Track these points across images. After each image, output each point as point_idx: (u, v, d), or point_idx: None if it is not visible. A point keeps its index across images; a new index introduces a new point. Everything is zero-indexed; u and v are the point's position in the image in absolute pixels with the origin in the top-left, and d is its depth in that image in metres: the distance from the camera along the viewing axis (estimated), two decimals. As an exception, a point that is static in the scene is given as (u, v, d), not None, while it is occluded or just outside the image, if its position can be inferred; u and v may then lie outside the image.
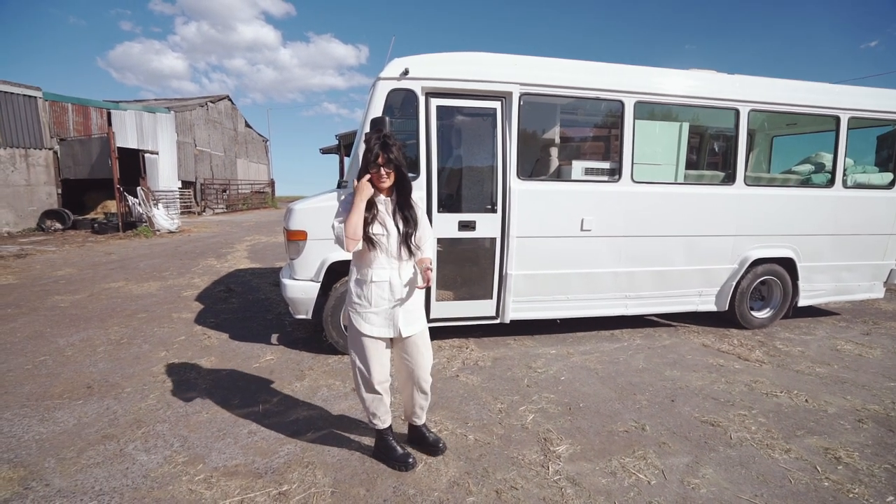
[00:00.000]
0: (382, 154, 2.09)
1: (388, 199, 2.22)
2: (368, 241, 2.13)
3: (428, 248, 2.31)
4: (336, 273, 3.83)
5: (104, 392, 3.22)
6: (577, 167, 4.12)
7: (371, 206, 2.16)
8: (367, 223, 2.14)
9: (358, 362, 2.28)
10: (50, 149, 14.13)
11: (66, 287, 6.33)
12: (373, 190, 2.16)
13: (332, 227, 2.16)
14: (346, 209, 2.14)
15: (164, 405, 3.03)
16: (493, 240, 3.92)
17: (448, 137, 3.99)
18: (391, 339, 2.30)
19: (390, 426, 2.46)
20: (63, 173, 14.43)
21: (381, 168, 2.11)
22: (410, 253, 2.22)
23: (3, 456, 2.46)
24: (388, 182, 2.15)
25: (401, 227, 2.17)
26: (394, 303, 2.20)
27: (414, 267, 2.28)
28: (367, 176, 2.14)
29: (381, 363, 2.28)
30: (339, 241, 2.12)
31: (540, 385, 3.42)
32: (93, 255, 9.20)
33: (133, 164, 14.65)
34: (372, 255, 2.17)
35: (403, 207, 2.20)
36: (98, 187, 15.16)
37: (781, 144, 5.92)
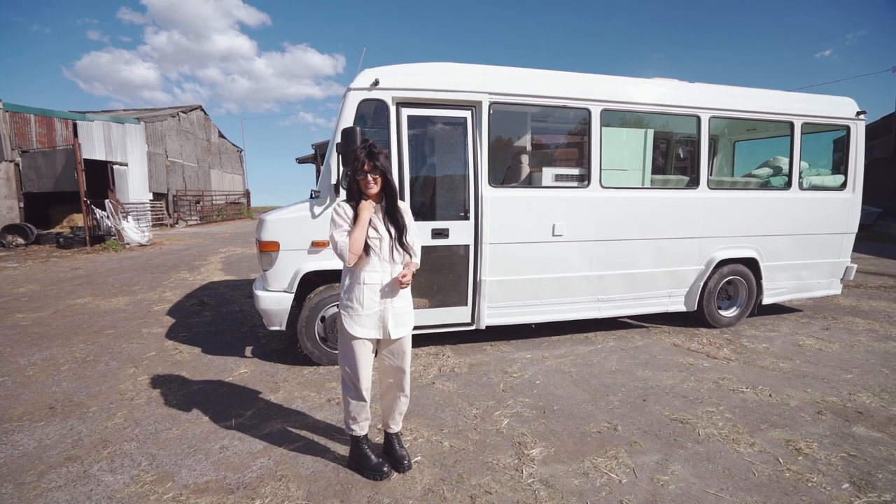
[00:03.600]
0: (368, 161, 2.19)
1: (378, 205, 2.29)
2: (364, 245, 2.20)
3: (418, 252, 2.39)
4: (310, 284, 3.81)
5: (68, 412, 3.10)
6: (548, 174, 4.21)
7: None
8: None
9: (347, 367, 2.33)
10: (11, 161, 13.60)
11: (27, 304, 6.08)
12: (374, 207, 2.25)
13: (331, 239, 2.22)
14: (341, 223, 2.22)
15: (131, 423, 2.94)
16: (466, 247, 3.96)
17: (420, 146, 4.03)
18: (378, 342, 2.35)
19: (366, 435, 2.47)
20: (25, 186, 13.89)
21: (368, 175, 2.19)
22: (402, 255, 2.30)
23: (-44, 483, 2.35)
24: (375, 188, 2.23)
25: (392, 231, 2.26)
26: (384, 305, 2.26)
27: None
28: (370, 202, 2.23)
29: (368, 367, 2.33)
30: (342, 255, 2.20)
31: (515, 389, 3.46)
32: (57, 270, 8.87)
33: (101, 177, 14.22)
34: (365, 259, 2.23)
35: (392, 212, 2.27)
36: (64, 200, 14.65)
37: (743, 149, 6.18)
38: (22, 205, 13.82)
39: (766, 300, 5.05)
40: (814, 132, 5.09)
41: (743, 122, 5.24)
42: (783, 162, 5.03)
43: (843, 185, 5.11)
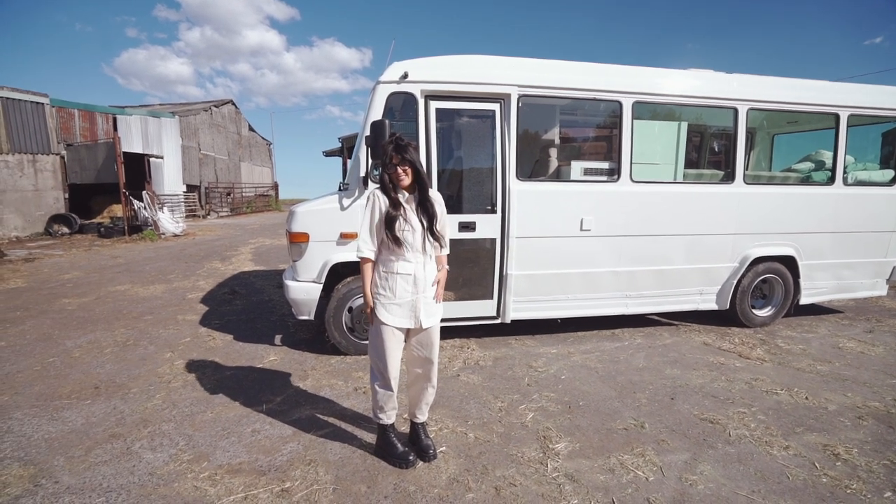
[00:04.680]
0: (396, 155, 2.24)
1: (412, 196, 2.33)
2: (395, 238, 2.26)
3: (447, 243, 2.44)
4: (338, 274, 3.88)
5: (111, 392, 3.27)
6: (577, 167, 4.15)
7: (397, 204, 2.28)
8: (394, 220, 2.26)
9: (376, 356, 2.38)
10: (57, 154, 14.30)
11: (73, 290, 6.42)
12: (407, 196, 2.34)
13: (359, 235, 2.39)
14: (372, 218, 2.32)
15: (169, 405, 3.08)
16: (493, 240, 3.95)
17: (448, 139, 4.03)
18: (407, 333, 2.39)
19: (393, 424, 2.51)
20: (70, 178, 14.59)
21: (397, 167, 2.25)
22: (433, 246, 2.35)
23: (13, 454, 2.52)
24: (406, 179, 2.28)
25: (424, 222, 2.30)
26: (416, 295, 2.31)
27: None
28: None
29: (397, 357, 2.38)
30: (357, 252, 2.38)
31: (540, 384, 3.45)
32: (99, 258, 9.31)
33: (138, 169, 14.79)
34: (399, 250, 2.28)
35: (424, 202, 2.31)
36: (104, 192, 15.32)
37: (782, 142, 5.92)
38: (67, 195, 14.53)
39: (805, 300, 4.86)
40: (861, 124, 4.83)
41: (783, 115, 5.01)
42: (826, 156, 4.80)
43: (893, 181, 4.84)
